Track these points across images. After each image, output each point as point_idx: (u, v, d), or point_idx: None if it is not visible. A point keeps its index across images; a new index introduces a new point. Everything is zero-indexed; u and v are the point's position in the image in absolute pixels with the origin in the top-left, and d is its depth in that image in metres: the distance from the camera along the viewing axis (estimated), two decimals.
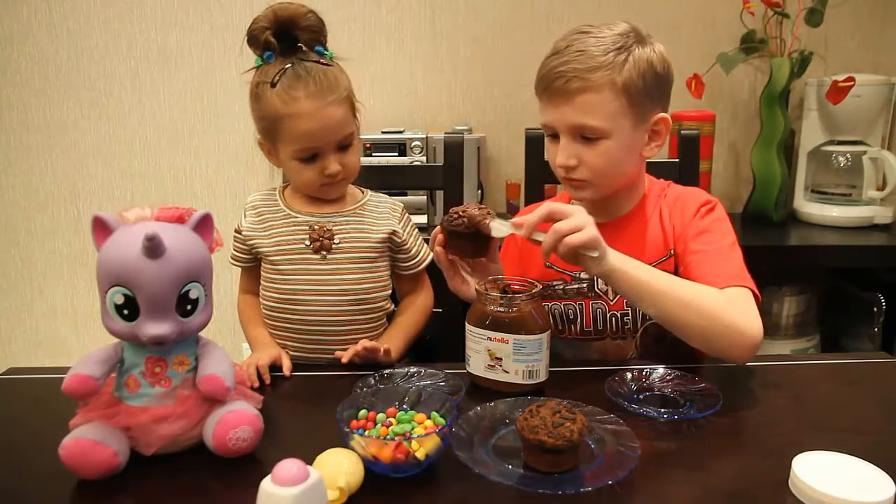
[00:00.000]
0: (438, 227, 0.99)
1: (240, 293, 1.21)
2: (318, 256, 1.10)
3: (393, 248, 1.16)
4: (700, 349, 0.98)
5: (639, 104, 0.99)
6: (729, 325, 0.91)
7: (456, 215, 0.96)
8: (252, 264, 1.16)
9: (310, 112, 1.03)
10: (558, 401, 0.76)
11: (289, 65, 1.04)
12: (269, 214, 1.13)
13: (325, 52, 1.08)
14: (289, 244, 1.10)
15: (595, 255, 0.87)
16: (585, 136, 1.00)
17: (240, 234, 1.14)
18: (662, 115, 1.03)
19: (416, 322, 1.18)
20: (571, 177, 1.03)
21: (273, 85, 1.03)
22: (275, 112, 1.04)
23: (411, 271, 1.18)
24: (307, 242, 1.10)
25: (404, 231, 1.16)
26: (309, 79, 1.03)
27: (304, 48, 1.07)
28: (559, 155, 1.02)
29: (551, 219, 0.87)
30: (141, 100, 2.10)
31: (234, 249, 1.16)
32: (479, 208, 0.96)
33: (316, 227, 1.10)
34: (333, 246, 1.10)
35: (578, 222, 0.85)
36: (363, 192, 1.18)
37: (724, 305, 0.93)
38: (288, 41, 1.05)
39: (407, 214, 1.19)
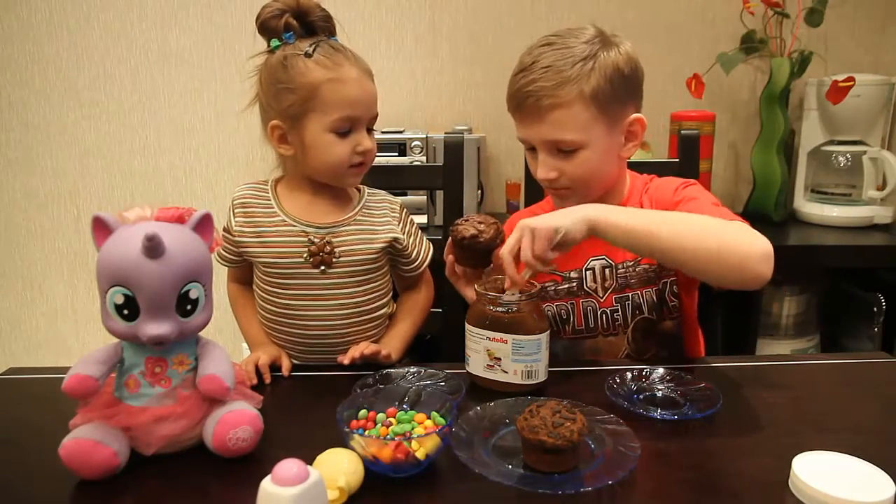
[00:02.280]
0: (449, 243, 1.01)
1: (229, 281, 1.17)
2: (317, 271, 1.05)
3: (394, 253, 1.13)
4: (711, 279, 0.94)
5: (610, 109, 1.00)
6: (730, 242, 0.89)
7: (462, 227, 0.98)
8: (242, 264, 1.12)
9: (355, 78, 1.01)
10: (558, 401, 0.76)
11: (320, 39, 1.02)
12: (262, 217, 1.07)
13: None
14: (285, 257, 1.05)
15: (560, 236, 0.89)
16: (562, 150, 1.01)
17: (230, 234, 1.08)
18: (636, 115, 1.04)
19: (417, 320, 1.17)
20: (555, 187, 1.05)
21: (309, 55, 1.00)
22: (314, 80, 0.99)
23: (413, 274, 1.16)
24: (306, 256, 1.05)
25: (405, 235, 1.12)
26: (347, 51, 1.03)
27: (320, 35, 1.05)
28: (539, 169, 1.04)
29: (518, 257, 0.91)
30: (141, 100, 2.10)
31: (223, 249, 1.11)
32: (488, 223, 0.98)
33: (316, 239, 1.05)
34: (334, 260, 1.06)
35: (516, 241, 0.90)
36: (359, 190, 1.14)
37: (719, 224, 0.92)
38: (305, 27, 1.04)
39: (406, 212, 1.15)
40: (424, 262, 1.16)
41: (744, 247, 0.89)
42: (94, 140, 2.13)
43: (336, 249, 1.06)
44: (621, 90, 1.00)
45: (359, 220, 1.09)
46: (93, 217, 0.74)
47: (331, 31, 1.06)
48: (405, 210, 1.16)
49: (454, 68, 2.08)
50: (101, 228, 0.75)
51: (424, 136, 1.83)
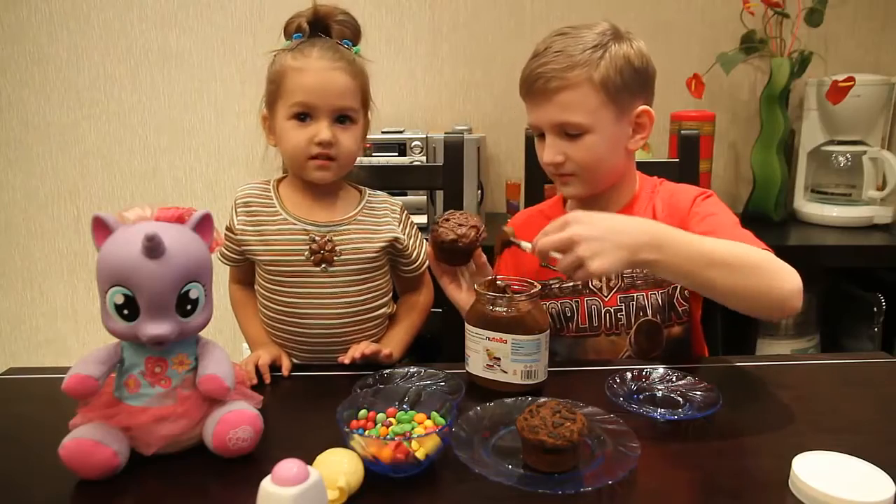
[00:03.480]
0: (429, 243, 1.03)
1: (231, 282, 1.18)
2: (318, 269, 1.06)
3: (394, 253, 1.13)
4: (746, 312, 0.94)
5: (619, 98, 1.01)
6: (776, 283, 0.90)
7: (443, 230, 0.99)
8: (244, 263, 1.13)
9: (315, 68, 1.02)
10: (558, 401, 0.76)
11: (317, 38, 1.05)
12: (264, 216, 1.08)
13: (352, 46, 1.08)
14: (287, 255, 1.06)
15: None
16: (569, 133, 1.02)
17: (232, 233, 1.09)
18: (645, 107, 1.05)
19: (416, 322, 1.18)
20: (560, 172, 1.06)
21: (292, 49, 1.04)
22: (282, 69, 1.03)
23: (413, 274, 1.17)
24: (307, 254, 1.06)
25: (406, 236, 1.13)
26: (325, 44, 1.04)
27: (332, 38, 1.07)
28: (546, 152, 1.05)
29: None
30: (141, 100, 2.10)
31: (225, 248, 1.11)
32: (468, 226, 1.00)
33: (317, 238, 1.06)
34: (335, 259, 1.07)
35: (561, 244, 0.87)
36: (360, 192, 1.15)
37: (767, 263, 0.92)
38: (320, 31, 1.07)
39: (406, 214, 1.16)
40: (424, 263, 1.17)
41: (785, 286, 0.90)
42: (94, 140, 2.13)
43: (337, 248, 1.07)
44: (631, 81, 1.01)
45: (360, 219, 1.10)
46: (93, 217, 0.74)
47: (345, 35, 1.07)
48: (405, 212, 1.17)
49: (454, 68, 2.08)
50: (101, 228, 0.75)
51: (424, 136, 1.83)
